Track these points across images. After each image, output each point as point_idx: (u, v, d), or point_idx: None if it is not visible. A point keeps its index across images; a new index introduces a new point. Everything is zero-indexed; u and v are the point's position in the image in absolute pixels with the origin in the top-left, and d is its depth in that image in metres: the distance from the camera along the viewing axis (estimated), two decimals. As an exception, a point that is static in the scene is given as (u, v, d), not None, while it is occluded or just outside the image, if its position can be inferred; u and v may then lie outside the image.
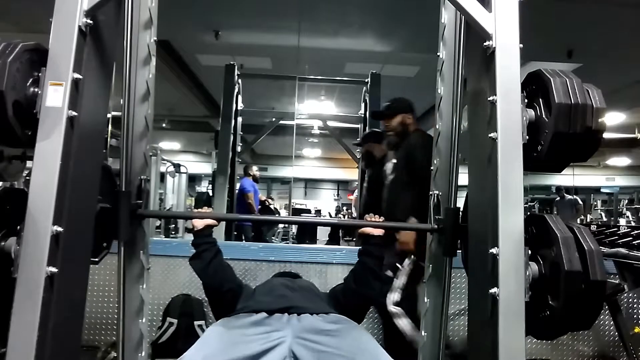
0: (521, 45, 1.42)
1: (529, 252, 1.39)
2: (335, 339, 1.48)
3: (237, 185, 5.99)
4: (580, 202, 9.86)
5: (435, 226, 1.87)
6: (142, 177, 1.87)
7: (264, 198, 8.09)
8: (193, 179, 14.04)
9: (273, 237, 8.16)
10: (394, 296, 2.40)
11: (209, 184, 8.98)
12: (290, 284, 1.96)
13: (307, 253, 2.85)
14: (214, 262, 1.88)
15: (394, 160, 2.68)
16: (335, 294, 1.97)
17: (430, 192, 1.96)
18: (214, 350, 1.42)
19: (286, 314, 1.65)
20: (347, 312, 1.79)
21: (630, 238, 2.52)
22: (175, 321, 2.68)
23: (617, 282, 2.35)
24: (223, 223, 4.60)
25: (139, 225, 1.89)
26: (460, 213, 1.81)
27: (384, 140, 2.95)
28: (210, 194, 6.27)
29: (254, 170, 6.91)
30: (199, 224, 1.95)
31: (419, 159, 2.49)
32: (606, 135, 1.50)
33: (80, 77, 1.38)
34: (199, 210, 2.01)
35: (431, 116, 2.17)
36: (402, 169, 2.63)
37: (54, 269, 1.27)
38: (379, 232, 1.98)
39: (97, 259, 1.74)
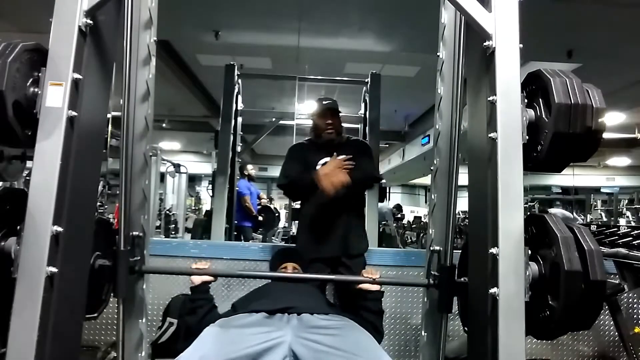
0: (521, 45, 1.43)
1: (529, 252, 1.39)
2: (336, 339, 1.48)
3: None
4: (560, 212, 9.82)
5: (432, 282, 1.87)
6: (139, 233, 1.88)
7: (264, 198, 7.76)
8: (193, 179, 14.05)
9: (273, 237, 8.15)
10: None
11: (208, 184, 8.95)
12: (290, 286, 1.95)
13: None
14: (207, 318, 1.87)
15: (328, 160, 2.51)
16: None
17: (428, 247, 1.96)
18: (212, 349, 1.42)
19: (286, 313, 1.65)
20: None
21: (630, 238, 2.52)
22: (175, 321, 2.67)
23: (617, 282, 2.34)
24: (223, 224, 4.62)
25: (138, 279, 1.91)
26: (456, 269, 1.82)
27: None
28: (207, 218, 6.20)
29: (249, 169, 6.75)
30: (196, 280, 1.96)
31: (369, 162, 2.59)
32: (606, 135, 1.50)
33: (80, 77, 1.38)
34: (197, 265, 2.02)
35: (431, 116, 2.17)
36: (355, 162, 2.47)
37: (54, 269, 1.27)
38: (375, 287, 1.98)
39: (95, 314, 1.75)
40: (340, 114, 2.65)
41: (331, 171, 2.35)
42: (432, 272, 1.89)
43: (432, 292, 1.92)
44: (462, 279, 1.77)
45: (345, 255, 2.47)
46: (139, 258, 1.87)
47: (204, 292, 1.97)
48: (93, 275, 1.57)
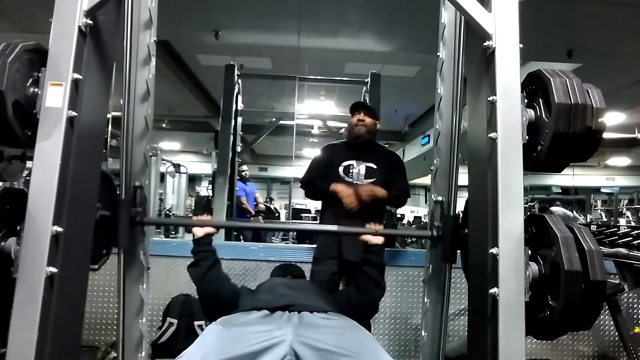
0: (521, 45, 1.43)
1: (529, 252, 1.39)
2: (337, 338, 1.48)
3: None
4: (562, 211, 9.85)
5: (435, 233, 1.87)
6: (141, 183, 1.87)
7: (260, 202, 7.28)
8: (193, 179, 14.04)
9: (273, 237, 8.15)
10: None
11: (209, 184, 8.95)
12: (291, 283, 1.96)
13: (307, 253, 2.85)
14: (212, 271, 1.87)
15: (372, 165, 2.54)
16: (339, 301, 1.96)
17: (430, 198, 1.95)
18: (213, 349, 1.42)
19: (287, 312, 1.66)
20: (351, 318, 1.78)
21: (630, 238, 2.52)
22: (175, 321, 2.68)
23: (617, 282, 2.35)
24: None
25: (139, 231, 1.90)
26: (460, 219, 1.81)
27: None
28: (210, 196, 6.11)
29: (244, 168, 6.54)
30: (199, 232, 1.95)
31: (404, 178, 2.64)
32: (606, 135, 1.50)
33: (80, 77, 1.38)
34: (198, 217, 2.00)
35: (431, 116, 2.17)
36: (383, 177, 2.53)
37: (54, 269, 1.27)
38: (378, 240, 1.96)
39: (96, 266, 1.74)
40: (378, 125, 2.66)
41: (344, 192, 2.41)
42: (436, 224, 1.88)
43: (436, 244, 1.91)
44: (464, 231, 1.76)
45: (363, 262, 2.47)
46: (140, 209, 1.86)
47: (207, 244, 1.94)
48: (95, 226, 1.55)
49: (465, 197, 1.64)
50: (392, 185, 2.54)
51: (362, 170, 2.55)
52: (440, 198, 1.88)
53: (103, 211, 1.67)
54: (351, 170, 2.55)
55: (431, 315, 1.96)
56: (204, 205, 6.83)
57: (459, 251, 1.85)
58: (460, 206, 1.84)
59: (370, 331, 1.91)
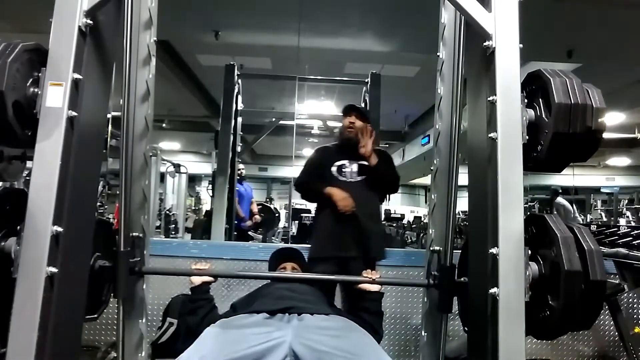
0: (521, 45, 1.43)
1: (529, 252, 1.39)
2: (337, 340, 1.48)
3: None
4: (565, 203, 9.90)
5: (432, 282, 1.88)
6: (139, 233, 1.88)
7: (255, 213, 6.35)
8: (193, 179, 14.03)
9: (273, 237, 8.15)
10: None
11: (208, 184, 8.94)
12: (291, 287, 1.95)
13: (307, 253, 2.85)
14: (208, 319, 1.87)
15: (364, 162, 2.55)
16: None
17: (428, 247, 1.96)
18: (212, 350, 1.42)
19: (287, 314, 1.65)
20: None
21: (630, 238, 2.52)
22: (175, 321, 2.67)
23: (617, 282, 2.34)
24: (223, 224, 4.62)
25: (138, 281, 1.91)
26: (456, 269, 1.82)
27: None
28: (209, 218, 5.74)
29: (239, 167, 5.93)
30: (197, 280, 1.96)
31: (393, 169, 2.69)
32: (606, 135, 1.50)
33: (80, 77, 1.38)
34: (197, 266, 2.02)
35: (431, 116, 2.17)
36: (375, 175, 2.56)
37: (53, 269, 1.27)
38: (375, 287, 1.97)
39: (95, 315, 1.75)
40: (368, 126, 2.62)
41: (338, 196, 2.44)
42: (432, 272, 1.89)
43: (432, 292, 1.92)
44: (462, 279, 1.77)
45: (363, 257, 2.47)
46: (139, 259, 1.87)
47: (204, 292, 1.96)
48: (93, 276, 1.57)
49: (466, 197, 1.64)
50: (384, 173, 2.59)
51: (355, 168, 2.58)
52: (437, 248, 1.89)
53: (102, 261, 1.68)
54: (344, 170, 2.58)
55: (431, 315, 1.96)
56: (202, 226, 6.58)
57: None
58: (462, 205, 1.84)
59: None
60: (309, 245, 2.68)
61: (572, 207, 9.83)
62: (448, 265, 1.81)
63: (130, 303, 1.88)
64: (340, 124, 2.77)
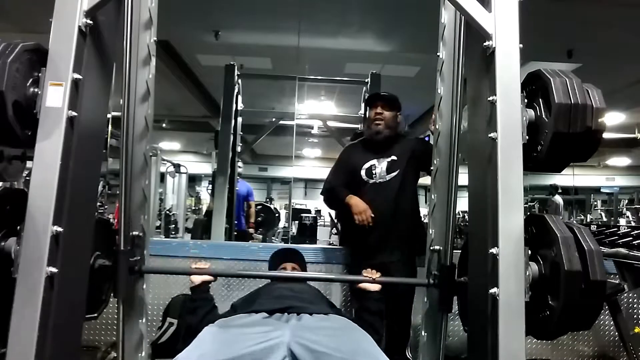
0: (521, 45, 1.43)
1: (529, 252, 1.39)
2: (335, 340, 1.48)
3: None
4: (560, 202, 9.98)
5: (431, 281, 1.88)
6: (139, 233, 1.88)
7: (253, 211, 6.06)
8: (193, 179, 14.02)
9: (273, 237, 8.14)
10: None
11: (208, 184, 8.94)
12: (291, 287, 1.95)
13: (307, 253, 2.85)
14: (207, 318, 1.86)
15: (393, 158, 2.45)
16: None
17: (428, 247, 1.96)
18: (210, 350, 1.42)
19: (285, 313, 1.65)
20: None
21: (630, 238, 2.52)
22: (175, 321, 2.67)
23: (617, 282, 2.34)
24: (223, 224, 4.62)
25: (138, 280, 1.91)
26: (456, 269, 1.82)
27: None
28: (208, 218, 5.64)
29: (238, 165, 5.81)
30: (196, 280, 1.96)
31: (428, 145, 2.47)
32: (606, 135, 1.50)
33: (80, 77, 1.38)
34: (197, 265, 2.02)
35: (431, 116, 2.17)
36: (404, 166, 2.45)
37: (53, 269, 1.27)
38: (375, 287, 1.96)
39: (95, 314, 1.75)
40: (399, 115, 2.52)
41: (357, 207, 2.37)
42: (432, 272, 1.89)
43: (432, 292, 1.92)
44: (462, 279, 1.77)
45: (407, 258, 2.44)
46: (139, 258, 1.87)
47: (204, 292, 1.96)
48: (93, 275, 1.57)
49: (466, 197, 1.64)
50: (425, 156, 2.33)
51: (384, 168, 2.47)
52: (437, 247, 1.89)
53: (102, 260, 1.68)
54: (373, 171, 2.47)
55: (431, 315, 1.96)
56: (202, 226, 6.48)
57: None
58: (462, 205, 1.84)
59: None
60: (310, 246, 2.67)
61: (572, 213, 9.95)
62: (448, 264, 1.81)
63: (131, 302, 1.88)
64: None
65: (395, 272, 2.30)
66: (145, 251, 1.93)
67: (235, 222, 5.44)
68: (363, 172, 2.48)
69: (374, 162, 2.48)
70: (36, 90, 1.37)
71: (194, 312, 1.91)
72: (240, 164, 5.78)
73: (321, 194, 2.65)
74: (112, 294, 1.80)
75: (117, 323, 1.83)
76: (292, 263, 2.27)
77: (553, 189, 9.74)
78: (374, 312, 1.94)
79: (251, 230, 6.11)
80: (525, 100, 1.49)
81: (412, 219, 2.54)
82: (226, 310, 1.88)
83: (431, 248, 1.92)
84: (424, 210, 2.99)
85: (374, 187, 2.46)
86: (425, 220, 2.20)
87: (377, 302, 1.96)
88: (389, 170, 2.46)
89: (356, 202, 2.39)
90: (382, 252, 2.41)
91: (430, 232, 1.97)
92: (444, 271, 1.81)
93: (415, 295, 2.43)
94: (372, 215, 2.36)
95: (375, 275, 1.97)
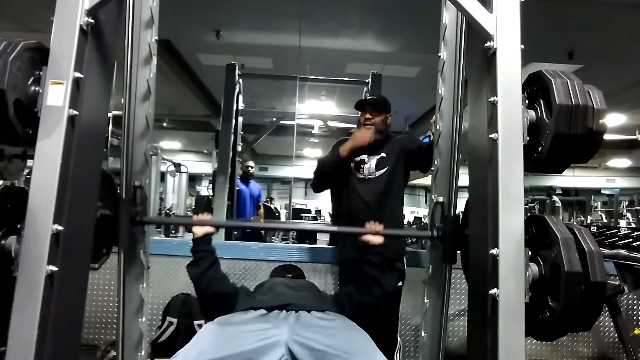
0: (522, 46, 1.42)
1: (529, 253, 1.39)
2: (332, 338, 1.48)
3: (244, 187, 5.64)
4: (558, 203, 10.01)
5: (435, 233, 1.87)
6: (141, 183, 1.87)
7: (261, 211, 5.83)
8: (193, 179, 14.04)
9: (273, 237, 8.14)
10: None
11: (209, 183, 8.95)
12: (290, 283, 1.96)
13: (307, 253, 2.85)
14: (210, 270, 1.88)
15: (382, 155, 2.48)
16: (339, 301, 1.96)
17: (430, 199, 1.95)
18: (209, 347, 1.42)
19: (284, 311, 1.66)
20: (353, 318, 1.78)
21: (631, 240, 2.53)
22: (175, 320, 2.68)
23: (617, 283, 2.35)
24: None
25: (139, 230, 1.91)
26: (460, 219, 1.81)
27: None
28: (211, 195, 5.70)
29: (249, 164, 5.67)
30: (198, 231, 1.95)
31: (418, 141, 2.56)
32: (607, 136, 1.50)
33: (81, 76, 1.38)
34: (198, 217, 1.99)
35: (432, 117, 2.17)
36: (399, 160, 2.49)
37: (54, 268, 1.27)
38: (378, 240, 1.95)
39: (96, 265, 1.75)
40: (388, 118, 2.55)
41: (356, 134, 2.40)
42: (436, 224, 1.88)
43: (436, 245, 1.92)
44: (465, 231, 1.76)
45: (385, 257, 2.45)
46: (140, 209, 1.86)
47: (207, 243, 1.95)
48: (95, 226, 1.56)
49: (466, 197, 1.64)
50: (414, 153, 2.46)
51: (373, 164, 2.49)
52: (440, 199, 1.88)
53: (103, 210, 1.68)
54: (362, 166, 2.50)
55: (431, 315, 1.96)
56: (204, 205, 6.47)
57: (459, 251, 1.85)
58: (460, 206, 1.84)
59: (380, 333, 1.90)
60: (311, 245, 2.68)
61: (573, 214, 10.01)
62: (452, 216, 1.81)
63: (131, 254, 1.88)
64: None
65: (380, 268, 2.30)
66: (146, 203, 1.92)
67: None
68: (353, 165, 2.50)
69: (364, 157, 2.51)
70: (37, 88, 1.37)
71: (196, 263, 1.90)
72: (251, 163, 5.72)
73: (313, 181, 2.64)
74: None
75: (116, 322, 1.83)
76: (291, 273, 2.29)
77: (552, 191, 9.78)
78: (377, 265, 1.94)
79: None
80: (526, 101, 1.49)
81: (396, 218, 2.59)
82: (236, 288, 1.91)
83: (434, 200, 1.92)
84: (424, 211, 2.99)
85: (362, 181, 2.49)
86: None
87: (379, 256, 1.96)
88: (378, 166, 2.49)
89: (351, 136, 2.43)
90: (368, 250, 2.43)
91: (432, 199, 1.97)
92: (447, 222, 1.81)
93: (415, 296, 2.42)
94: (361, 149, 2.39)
95: (378, 227, 1.96)
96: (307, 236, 5.46)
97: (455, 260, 1.84)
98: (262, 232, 5.62)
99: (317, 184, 2.67)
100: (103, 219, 1.67)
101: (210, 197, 5.05)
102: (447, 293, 1.87)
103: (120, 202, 1.76)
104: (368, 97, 2.63)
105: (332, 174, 2.53)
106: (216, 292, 1.85)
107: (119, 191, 1.80)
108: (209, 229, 1.95)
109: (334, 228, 2.12)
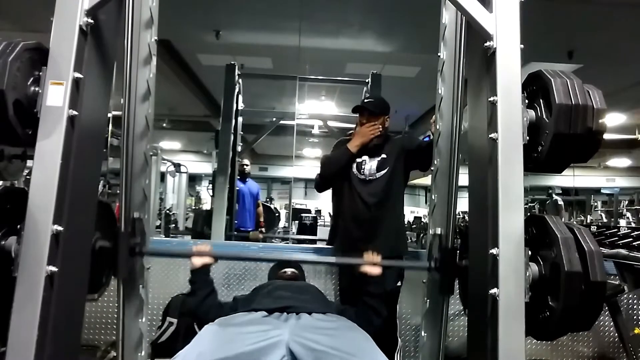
0: (522, 46, 1.42)
1: (529, 252, 1.39)
2: (333, 339, 1.48)
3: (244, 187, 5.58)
4: (561, 202, 10.02)
5: (433, 265, 1.88)
6: (140, 215, 1.88)
7: (261, 211, 5.82)
8: (193, 179, 14.04)
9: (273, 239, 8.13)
10: None
11: (209, 183, 8.95)
12: (290, 285, 1.95)
13: (307, 253, 2.85)
14: (208, 300, 1.89)
15: (383, 156, 2.50)
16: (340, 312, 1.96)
17: (428, 230, 1.96)
18: (209, 348, 1.42)
19: (285, 312, 1.66)
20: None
21: (631, 239, 2.53)
22: (175, 321, 2.68)
23: (617, 283, 2.35)
24: (223, 224, 4.62)
25: (138, 261, 1.91)
26: (458, 252, 1.82)
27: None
28: (209, 210, 5.48)
29: (245, 162, 5.59)
30: (197, 262, 1.95)
31: (417, 141, 2.60)
32: (606, 136, 1.50)
33: (81, 76, 1.38)
34: (198, 247, 2.01)
35: (431, 116, 2.17)
36: (399, 161, 2.50)
37: (54, 268, 1.27)
38: (377, 270, 1.96)
39: (96, 295, 1.75)
40: (387, 120, 2.56)
41: (362, 131, 2.45)
42: (434, 256, 1.88)
43: (434, 275, 1.92)
44: (462, 262, 1.77)
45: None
46: (139, 240, 1.86)
47: (205, 274, 1.96)
48: (93, 256, 1.57)
49: (466, 197, 1.64)
50: (414, 152, 2.50)
51: (374, 166, 2.51)
52: (438, 230, 1.88)
53: (102, 241, 1.69)
54: (363, 166, 2.51)
55: (431, 315, 1.96)
56: (203, 219, 6.42)
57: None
58: (460, 206, 1.84)
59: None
60: (310, 246, 2.68)
61: (573, 214, 10.03)
62: (450, 248, 1.81)
63: (131, 284, 1.88)
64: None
65: (379, 298, 2.29)
66: (145, 235, 1.92)
67: (236, 221, 5.35)
68: (354, 166, 2.52)
69: (365, 158, 2.53)
70: (37, 89, 1.37)
71: (194, 294, 1.91)
72: (247, 161, 5.66)
73: (317, 181, 2.66)
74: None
75: (117, 322, 1.83)
76: (291, 268, 2.28)
77: (552, 191, 9.81)
78: (376, 295, 1.94)
79: (263, 230, 5.82)
80: (526, 101, 1.49)
81: (397, 219, 2.61)
82: (228, 301, 1.90)
83: (432, 232, 1.92)
84: (423, 211, 2.99)
85: (363, 182, 2.50)
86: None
87: (378, 285, 1.96)
88: (379, 168, 2.51)
89: (359, 130, 2.48)
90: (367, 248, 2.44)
91: (430, 232, 1.97)
92: (445, 254, 1.81)
93: (414, 296, 2.43)
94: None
95: (376, 258, 1.96)
96: (307, 235, 5.44)
97: (453, 291, 1.84)
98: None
99: (321, 184, 2.69)
100: (102, 250, 1.68)
101: (209, 211, 4.95)
102: (445, 326, 1.87)
103: (119, 234, 1.76)
104: (365, 101, 2.64)
105: (340, 172, 2.54)
106: (214, 319, 1.85)
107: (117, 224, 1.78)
108: (207, 260, 1.96)
109: (332, 259, 2.20)
